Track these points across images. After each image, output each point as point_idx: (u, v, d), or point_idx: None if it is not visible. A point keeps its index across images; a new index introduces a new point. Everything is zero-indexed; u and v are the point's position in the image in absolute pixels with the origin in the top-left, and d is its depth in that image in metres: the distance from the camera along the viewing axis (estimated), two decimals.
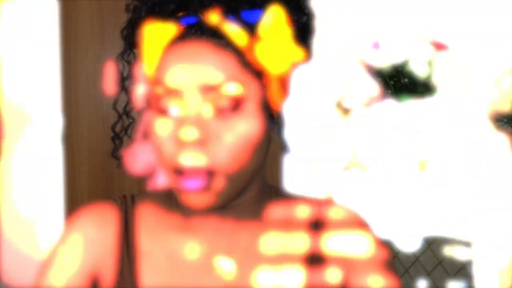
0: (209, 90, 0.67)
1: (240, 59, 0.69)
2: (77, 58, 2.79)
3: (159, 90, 0.69)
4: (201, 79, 0.67)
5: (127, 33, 0.76)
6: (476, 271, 1.83)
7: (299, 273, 0.79)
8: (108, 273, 0.80)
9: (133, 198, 0.85)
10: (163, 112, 0.70)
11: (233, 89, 0.68)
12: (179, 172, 0.69)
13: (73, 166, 2.82)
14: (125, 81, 0.77)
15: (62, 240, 0.82)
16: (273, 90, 0.72)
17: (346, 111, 2.20)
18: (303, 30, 0.73)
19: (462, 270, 1.88)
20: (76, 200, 2.83)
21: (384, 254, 0.84)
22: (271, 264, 0.79)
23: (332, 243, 0.81)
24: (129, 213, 0.82)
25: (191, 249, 0.79)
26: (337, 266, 0.80)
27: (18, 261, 2.82)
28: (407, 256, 1.94)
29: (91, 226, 0.81)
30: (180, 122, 0.68)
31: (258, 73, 0.70)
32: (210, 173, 0.69)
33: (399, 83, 2.09)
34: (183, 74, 0.68)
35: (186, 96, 0.68)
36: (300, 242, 0.81)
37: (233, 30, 0.69)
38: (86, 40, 2.78)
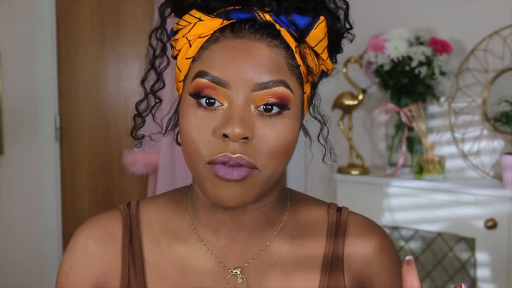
0: (259, 88, 0.67)
1: (289, 61, 0.69)
2: (77, 58, 2.79)
3: (203, 81, 0.67)
4: (253, 76, 0.67)
5: (164, 11, 0.72)
6: (477, 271, 1.83)
7: (315, 280, 0.77)
8: (115, 285, 0.77)
9: (137, 204, 0.81)
10: (203, 104, 0.68)
11: (282, 89, 0.67)
12: (216, 165, 0.67)
13: (73, 166, 2.82)
14: (155, 59, 0.74)
15: (69, 261, 0.79)
16: (307, 96, 0.73)
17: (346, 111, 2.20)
18: (337, 44, 0.73)
19: (462, 270, 1.87)
20: (76, 200, 2.83)
21: (399, 261, 0.82)
22: (286, 271, 0.76)
23: (351, 249, 0.79)
24: (133, 222, 0.79)
25: (201, 257, 0.77)
26: (354, 272, 0.78)
27: (17, 262, 2.81)
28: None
29: (93, 242, 0.78)
30: (226, 117, 0.66)
31: (300, 78, 0.70)
32: (249, 169, 0.67)
33: (399, 83, 2.09)
34: (235, 69, 0.67)
35: (235, 91, 0.67)
36: (318, 248, 0.78)
37: (285, 31, 0.69)
38: (86, 40, 2.78)
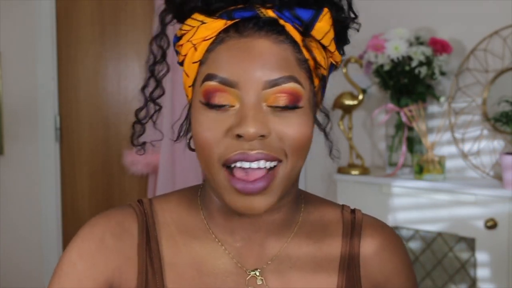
0: (269, 85, 0.66)
1: (297, 56, 0.68)
2: (77, 58, 2.79)
3: (212, 84, 0.67)
4: (262, 74, 0.66)
5: (164, 18, 0.71)
6: (477, 271, 1.83)
7: (333, 281, 0.76)
8: (130, 284, 0.74)
9: (150, 202, 0.79)
10: (215, 106, 0.67)
11: (292, 85, 0.67)
12: (232, 169, 0.66)
13: (73, 166, 2.82)
14: (155, 66, 0.73)
15: (78, 248, 0.74)
16: (318, 89, 0.72)
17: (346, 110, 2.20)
18: (343, 35, 0.73)
19: (462, 270, 1.87)
20: (76, 200, 2.84)
21: (410, 263, 0.83)
22: (305, 272, 0.76)
23: (366, 251, 0.79)
24: (149, 221, 0.77)
25: (220, 258, 0.75)
26: (369, 274, 0.79)
27: (17, 263, 2.81)
28: None
29: (110, 236, 0.74)
30: (239, 117, 0.66)
31: (309, 72, 0.70)
32: (268, 172, 0.67)
33: (399, 83, 2.09)
34: (243, 68, 0.66)
35: (245, 91, 0.66)
36: (334, 249, 0.78)
37: (289, 26, 0.68)
38: (86, 40, 2.79)
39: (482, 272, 1.86)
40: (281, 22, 0.68)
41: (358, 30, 0.74)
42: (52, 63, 2.75)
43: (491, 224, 1.80)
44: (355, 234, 0.79)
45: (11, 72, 2.75)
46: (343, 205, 0.83)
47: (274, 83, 0.66)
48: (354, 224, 0.80)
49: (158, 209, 0.78)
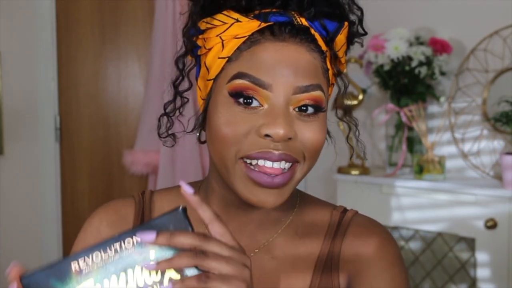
0: (300, 91, 0.68)
1: (323, 65, 0.72)
2: (77, 58, 2.79)
3: (243, 82, 0.68)
4: (295, 80, 0.68)
5: (195, 10, 0.72)
6: (477, 271, 1.83)
7: (307, 279, 0.77)
8: None
9: (151, 193, 0.84)
10: (241, 102, 0.68)
11: (318, 93, 0.69)
12: (253, 165, 0.68)
13: (73, 166, 2.83)
14: (183, 59, 0.75)
15: (81, 240, 0.82)
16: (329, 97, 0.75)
17: (346, 110, 2.20)
18: (348, 48, 0.76)
19: (462, 270, 1.88)
20: (76, 200, 2.84)
21: (396, 260, 0.80)
22: (283, 267, 0.77)
23: (347, 248, 0.78)
24: (145, 208, 0.81)
25: None
26: (347, 271, 0.78)
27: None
28: (407, 256, 1.94)
29: (106, 225, 0.81)
30: (269, 118, 0.67)
31: (329, 81, 0.73)
32: (287, 171, 0.69)
33: (399, 83, 2.09)
34: (278, 72, 0.68)
35: (276, 94, 0.68)
36: (314, 248, 0.79)
37: (318, 36, 0.71)
38: (86, 40, 2.79)
39: (482, 272, 1.86)
40: (312, 31, 0.70)
41: (362, 45, 0.77)
42: (52, 63, 2.75)
43: (491, 224, 1.80)
44: (339, 234, 0.79)
45: (11, 72, 2.75)
46: (337, 206, 0.83)
47: (304, 90, 0.69)
48: (340, 223, 0.80)
49: (157, 199, 0.83)
